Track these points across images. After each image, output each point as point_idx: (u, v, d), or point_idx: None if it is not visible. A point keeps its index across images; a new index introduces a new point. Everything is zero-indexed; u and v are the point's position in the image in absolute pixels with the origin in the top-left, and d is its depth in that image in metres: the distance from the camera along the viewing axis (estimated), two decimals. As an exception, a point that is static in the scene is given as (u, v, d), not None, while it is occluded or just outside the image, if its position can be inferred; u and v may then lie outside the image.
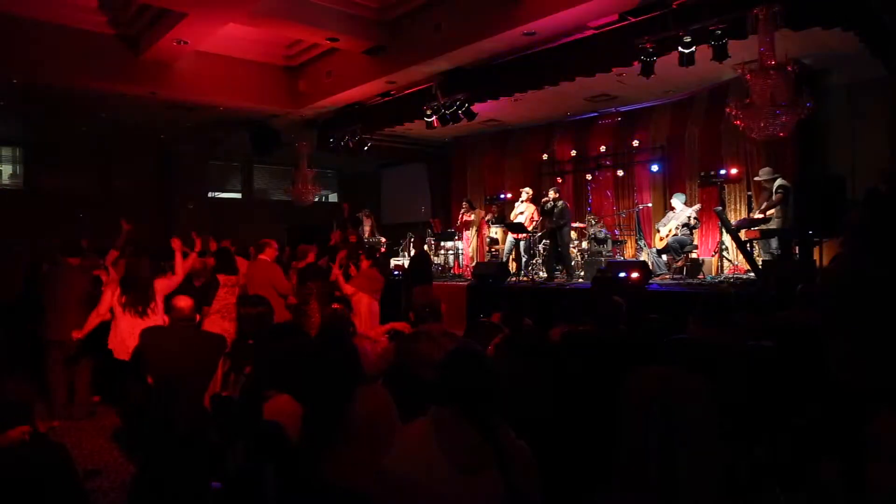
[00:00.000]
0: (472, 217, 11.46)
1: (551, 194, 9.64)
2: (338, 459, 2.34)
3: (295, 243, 8.54)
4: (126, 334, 5.32)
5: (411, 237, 12.33)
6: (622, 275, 7.51)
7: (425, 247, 11.94)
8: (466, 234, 11.50)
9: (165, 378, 3.94)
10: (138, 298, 5.33)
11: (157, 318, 5.36)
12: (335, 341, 2.88)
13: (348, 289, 6.62)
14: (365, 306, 6.67)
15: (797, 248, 7.32)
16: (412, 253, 11.75)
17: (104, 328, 5.52)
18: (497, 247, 11.43)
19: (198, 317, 4.71)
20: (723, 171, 9.36)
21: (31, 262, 6.95)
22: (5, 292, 7.80)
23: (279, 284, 6.17)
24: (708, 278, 8.73)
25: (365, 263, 7.13)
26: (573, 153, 11.95)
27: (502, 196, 12.52)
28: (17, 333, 6.51)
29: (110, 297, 5.36)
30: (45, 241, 7.01)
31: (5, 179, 13.07)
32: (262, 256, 6.43)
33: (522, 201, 10.33)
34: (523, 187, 10.85)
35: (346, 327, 3.89)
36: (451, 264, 11.83)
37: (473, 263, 11.10)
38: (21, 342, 6.42)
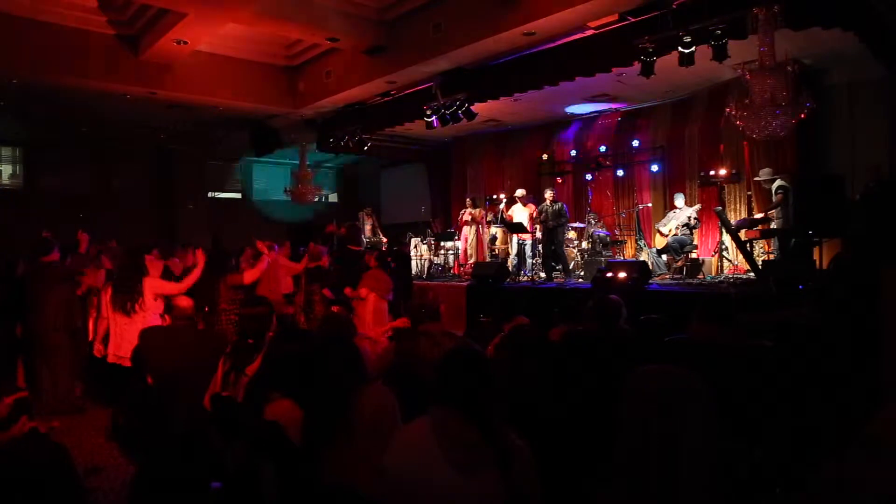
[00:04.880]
0: (472, 215, 11.47)
1: (548, 195, 9.64)
2: (339, 459, 2.34)
3: (295, 243, 8.55)
4: (116, 335, 5.38)
5: (410, 237, 12.33)
6: (610, 275, 7.51)
7: (418, 249, 11.94)
8: (465, 231, 11.51)
9: (165, 378, 3.94)
10: (123, 298, 5.37)
11: (147, 315, 5.37)
12: (337, 341, 2.87)
13: (362, 291, 6.62)
14: (371, 305, 6.66)
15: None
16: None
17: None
18: (497, 247, 11.43)
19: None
20: (723, 171, 9.36)
21: (7, 262, 6.99)
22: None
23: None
24: (708, 278, 8.73)
25: (372, 264, 7.13)
26: (573, 153, 11.94)
27: (502, 196, 12.52)
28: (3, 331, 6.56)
29: (106, 299, 5.44)
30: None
31: (5, 179, 13.08)
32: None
33: (523, 205, 10.38)
34: (521, 188, 10.87)
35: (346, 328, 3.89)
36: (452, 264, 11.83)
37: (470, 262, 11.10)
38: (7, 339, 6.47)
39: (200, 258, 5.62)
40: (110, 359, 5.51)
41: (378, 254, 7.42)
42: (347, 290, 6.65)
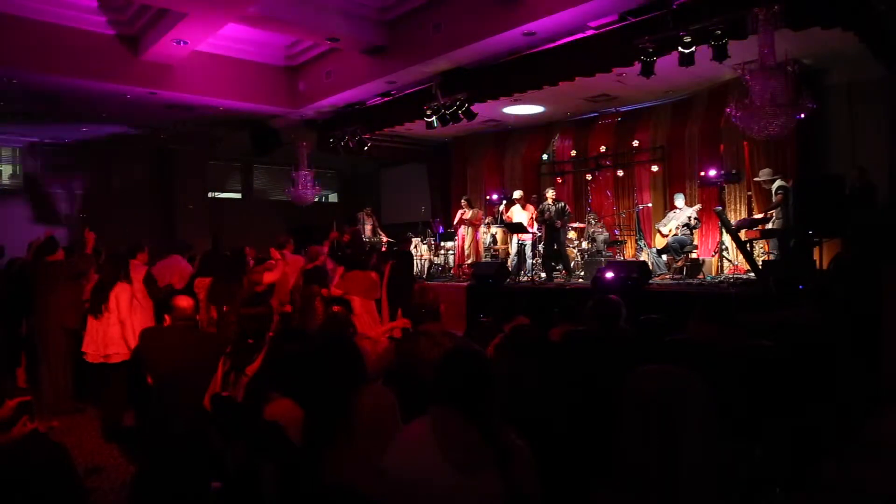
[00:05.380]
0: (469, 216, 11.47)
1: (549, 195, 9.63)
2: (339, 459, 2.34)
3: (296, 244, 8.55)
4: (88, 336, 5.42)
5: (411, 237, 12.33)
6: (610, 275, 7.51)
7: (418, 249, 11.92)
8: (462, 232, 11.50)
9: (165, 378, 3.94)
10: (96, 300, 5.39)
11: (111, 319, 5.39)
12: (338, 341, 2.87)
13: (336, 291, 6.58)
14: (357, 308, 6.63)
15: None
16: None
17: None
18: (497, 247, 11.43)
19: None
20: (722, 171, 9.36)
21: (10, 261, 7.00)
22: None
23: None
24: (708, 278, 8.73)
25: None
26: (573, 153, 11.95)
27: (495, 197, 12.53)
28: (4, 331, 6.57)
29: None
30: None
31: (5, 179, 13.07)
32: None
33: (522, 206, 10.32)
34: (521, 188, 10.86)
35: (346, 328, 3.88)
36: (452, 264, 11.84)
37: (468, 262, 11.10)
38: (8, 340, 6.48)
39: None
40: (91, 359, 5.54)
41: (377, 254, 7.40)
42: (325, 291, 6.55)
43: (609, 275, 7.55)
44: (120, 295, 5.45)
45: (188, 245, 8.98)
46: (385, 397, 2.52)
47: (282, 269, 6.25)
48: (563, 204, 9.53)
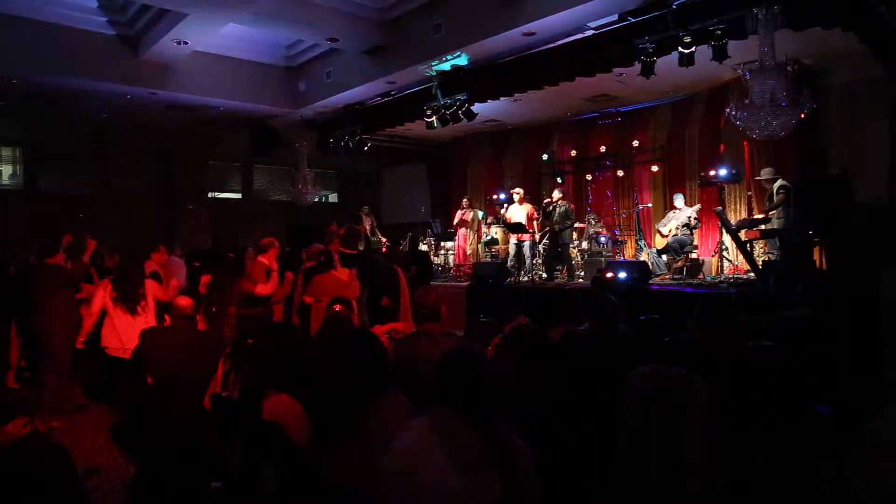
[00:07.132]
0: (471, 216, 11.46)
1: (555, 195, 9.61)
2: (344, 460, 2.33)
3: (295, 244, 8.53)
4: (121, 331, 5.40)
5: (410, 237, 12.33)
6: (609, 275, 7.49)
7: (423, 246, 11.94)
8: (462, 232, 11.49)
9: (165, 378, 3.94)
10: (128, 296, 5.38)
11: (149, 317, 5.42)
12: (367, 341, 2.75)
13: (307, 298, 6.17)
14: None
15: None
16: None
17: (97, 325, 5.58)
18: (496, 247, 11.42)
19: None
20: (723, 172, 9.34)
21: (12, 261, 7.02)
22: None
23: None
24: (708, 278, 8.73)
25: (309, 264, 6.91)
26: (573, 153, 11.95)
27: (503, 196, 12.49)
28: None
29: (101, 295, 5.43)
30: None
31: (5, 179, 13.07)
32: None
33: (517, 201, 10.27)
34: (521, 187, 10.83)
35: (348, 327, 3.88)
36: (452, 264, 11.84)
37: (471, 263, 11.10)
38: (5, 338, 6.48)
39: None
40: (116, 352, 5.51)
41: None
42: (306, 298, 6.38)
43: (609, 275, 7.54)
44: (155, 291, 5.56)
45: (197, 249, 8.96)
46: (396, 400, 2.49)
47: (276, 282, 6.14)
48: (566, 206, 9.48)
